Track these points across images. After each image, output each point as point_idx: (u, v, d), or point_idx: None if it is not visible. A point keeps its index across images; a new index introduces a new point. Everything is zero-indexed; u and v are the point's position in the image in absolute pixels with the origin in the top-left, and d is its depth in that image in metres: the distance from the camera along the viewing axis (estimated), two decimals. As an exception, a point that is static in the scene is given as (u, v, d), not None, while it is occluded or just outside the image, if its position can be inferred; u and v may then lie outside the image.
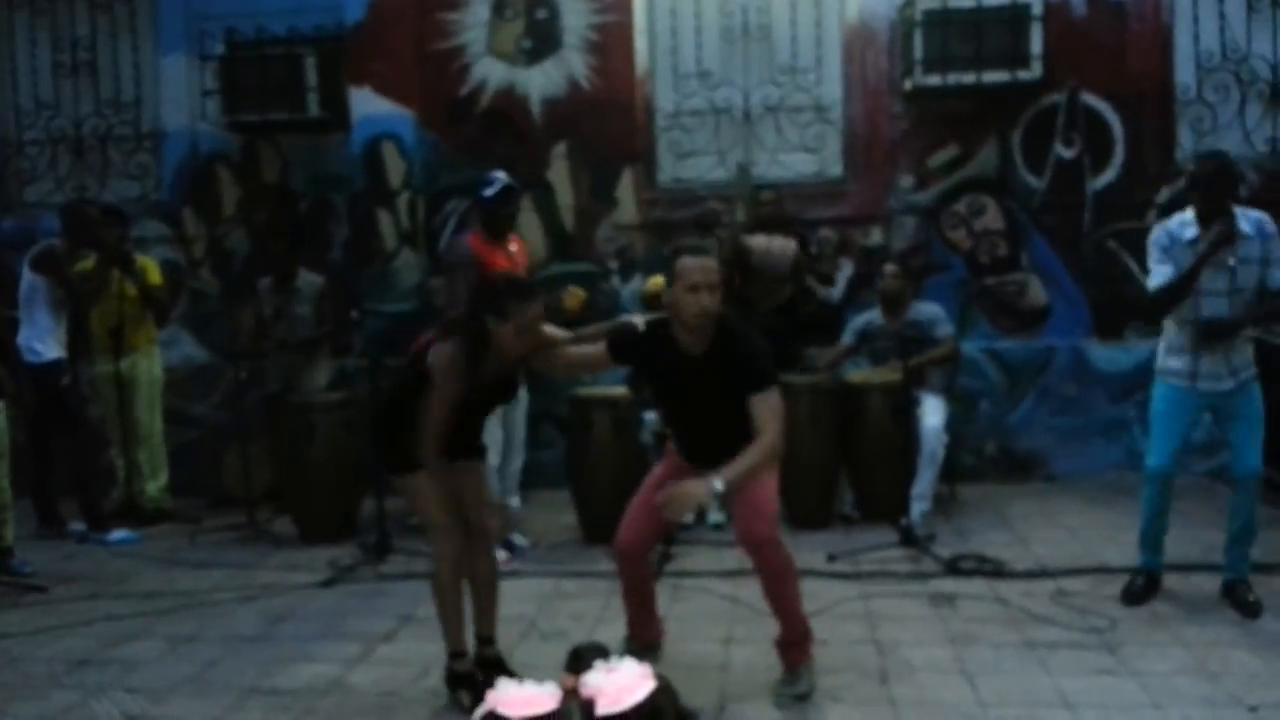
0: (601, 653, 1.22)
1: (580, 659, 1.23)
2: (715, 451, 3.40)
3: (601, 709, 1.16)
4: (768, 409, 3.36)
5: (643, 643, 3.80)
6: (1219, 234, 3.85)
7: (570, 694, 1.19)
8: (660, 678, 1.19)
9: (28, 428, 5.77)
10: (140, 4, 7.11)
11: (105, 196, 6.81)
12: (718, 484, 3.24)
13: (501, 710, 1.15)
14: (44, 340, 5.68)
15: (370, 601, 4.61)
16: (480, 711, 1.18)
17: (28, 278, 5.75)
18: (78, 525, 5.83)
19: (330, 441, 5.60)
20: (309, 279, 6.24)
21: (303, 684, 3.73)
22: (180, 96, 6.94)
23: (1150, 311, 4.19)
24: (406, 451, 3.43)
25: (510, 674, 3.55)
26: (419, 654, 3.93)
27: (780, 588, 3.52)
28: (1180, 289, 3.94)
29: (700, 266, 3.37)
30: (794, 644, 3.57)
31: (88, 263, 5.79)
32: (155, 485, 6.14)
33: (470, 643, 3.63)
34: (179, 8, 6.91)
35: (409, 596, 4.60)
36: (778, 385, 3.43)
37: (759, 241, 5.94)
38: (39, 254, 5.75)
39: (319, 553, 5.31)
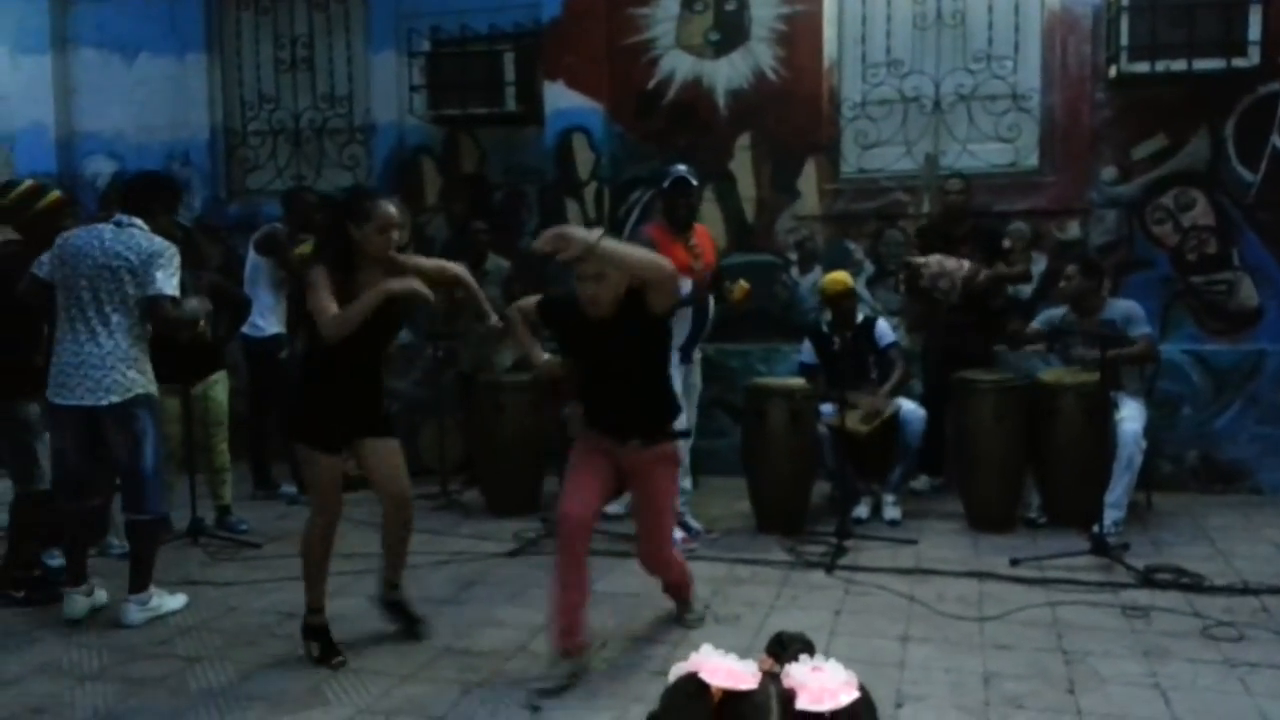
0: (807, 647, 1.24)
1: (785, 646, 1.25)
2: (615, 405, 3.76)
3: (801, 704, 1.18)
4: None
5: (572, 652, 3.66)
6: None
7: (769, 676, 1.21)
8: (863, 689, 1.19)
9: (247, 398, 6.28)
10: (354, 3, 7.55)
11: (320, 185, 7.28)
12: (595, 237, 3.37)
13: (704, 676, 1.18)
14: (265, 317, 6.15)
15: (553, 573, 4.79)
16: (682, 668, 1.22)
17: (252, 259, 6.23)
18: (289, 488, 6.29)
19: (518, 420, 5.87)
20: (497, 263, 6.53)
21: (492, 647, 3.96)
22: (389, 91, 7.33)
23: None
24: (304, 422, 3.80)
25: (413, 617, 4.05)
26: (599, 626, 4.08)
27: (678, 591, 4.18)
28: None
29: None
30: (676, 585, 4.16)
31: (306, 246, 6.20)
32: (359, 454, 6.54)
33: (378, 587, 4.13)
34: (389, 7, 7.29)
35: (591, 571, 4.76)
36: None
37: (932, 262, 5.84)
38: (262, 237, 6.23)
39: (505, 524, 5.59)
